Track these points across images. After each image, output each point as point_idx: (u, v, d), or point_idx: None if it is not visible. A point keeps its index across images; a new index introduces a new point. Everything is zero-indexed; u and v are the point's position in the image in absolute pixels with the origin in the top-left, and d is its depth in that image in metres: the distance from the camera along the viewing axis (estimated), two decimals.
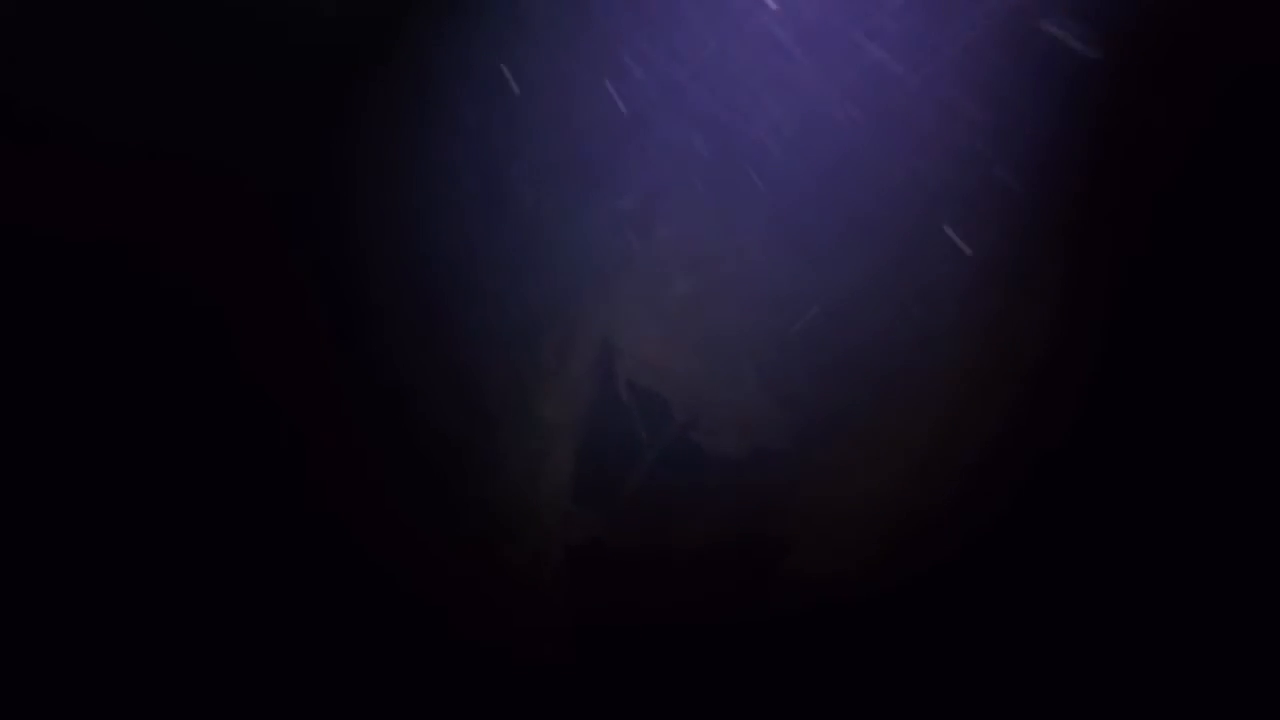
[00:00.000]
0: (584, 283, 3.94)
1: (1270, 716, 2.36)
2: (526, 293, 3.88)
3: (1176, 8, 2.77)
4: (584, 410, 3.87)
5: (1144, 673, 2.60)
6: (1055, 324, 3.21)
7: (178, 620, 3.28)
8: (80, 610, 3.16)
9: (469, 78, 3.71)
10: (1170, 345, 2.95)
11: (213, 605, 3.32)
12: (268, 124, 3.38)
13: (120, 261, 3.06)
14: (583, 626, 3.62)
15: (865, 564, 3.35)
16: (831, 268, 3.61)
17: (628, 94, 3.74)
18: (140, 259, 3.09)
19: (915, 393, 3.49)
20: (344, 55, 3.46)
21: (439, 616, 3.52)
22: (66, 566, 3.17)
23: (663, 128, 3.82)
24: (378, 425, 3.66)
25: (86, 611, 3.17)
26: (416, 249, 3.73)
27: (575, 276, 3.96)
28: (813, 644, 3.40)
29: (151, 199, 3.12)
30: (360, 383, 3.64)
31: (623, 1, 3.59)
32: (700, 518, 3.71)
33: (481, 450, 3.79)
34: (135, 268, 3.10)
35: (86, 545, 3.19)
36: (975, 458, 3.27)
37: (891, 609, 3.13)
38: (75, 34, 3.08)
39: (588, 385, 3.89)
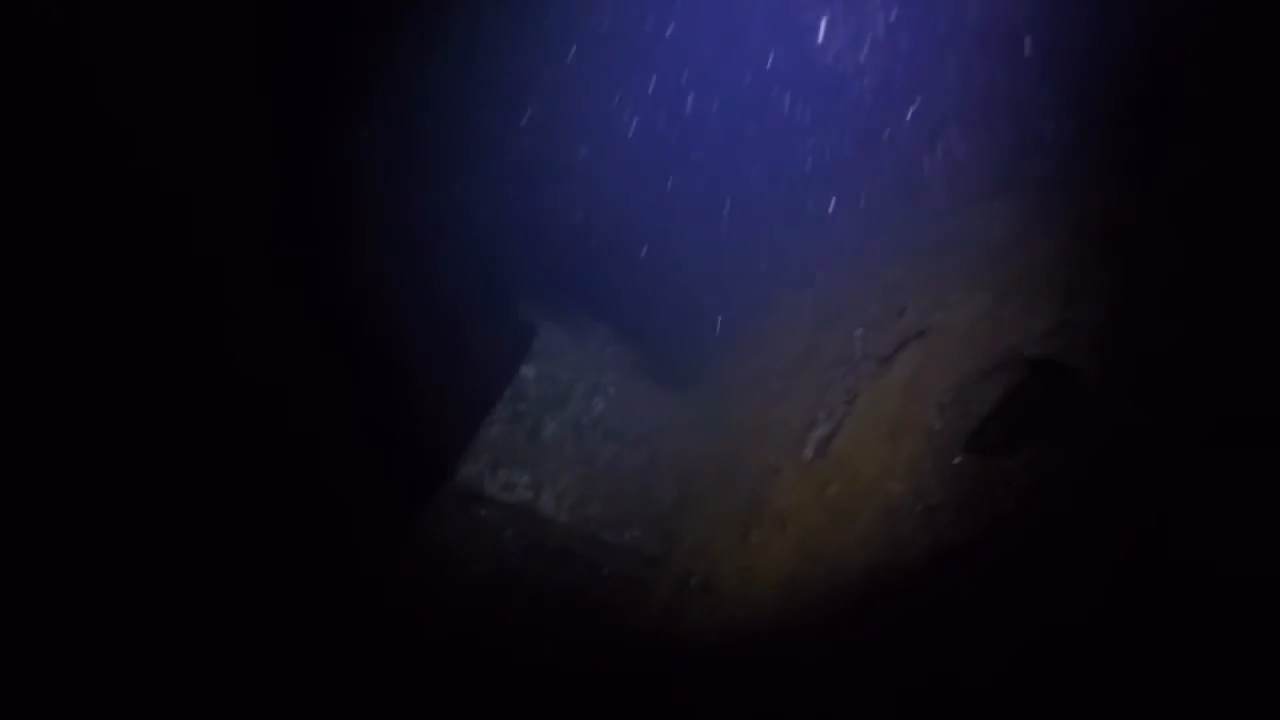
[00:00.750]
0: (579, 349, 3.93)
1: None
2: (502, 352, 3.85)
3: None
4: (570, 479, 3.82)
5: None
6: None
7: (181, 618, 3.24)
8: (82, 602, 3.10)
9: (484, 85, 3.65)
10: None
11: (217, 605, 3.29)
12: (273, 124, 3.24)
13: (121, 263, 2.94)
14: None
15: None
16: None
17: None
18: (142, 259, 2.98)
19: None
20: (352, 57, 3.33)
21: (440, 617, 3.57)
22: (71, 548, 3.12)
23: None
24: (383, 432, 3.66)
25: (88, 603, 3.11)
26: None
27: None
28: None
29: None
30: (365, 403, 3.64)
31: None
32: None
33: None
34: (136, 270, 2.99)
35: (86, 540, 3.11)
36: None
37: None
38: None
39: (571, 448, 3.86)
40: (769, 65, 3.90)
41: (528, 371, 3.92)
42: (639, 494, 3.90)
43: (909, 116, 4.15)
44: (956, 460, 3.32)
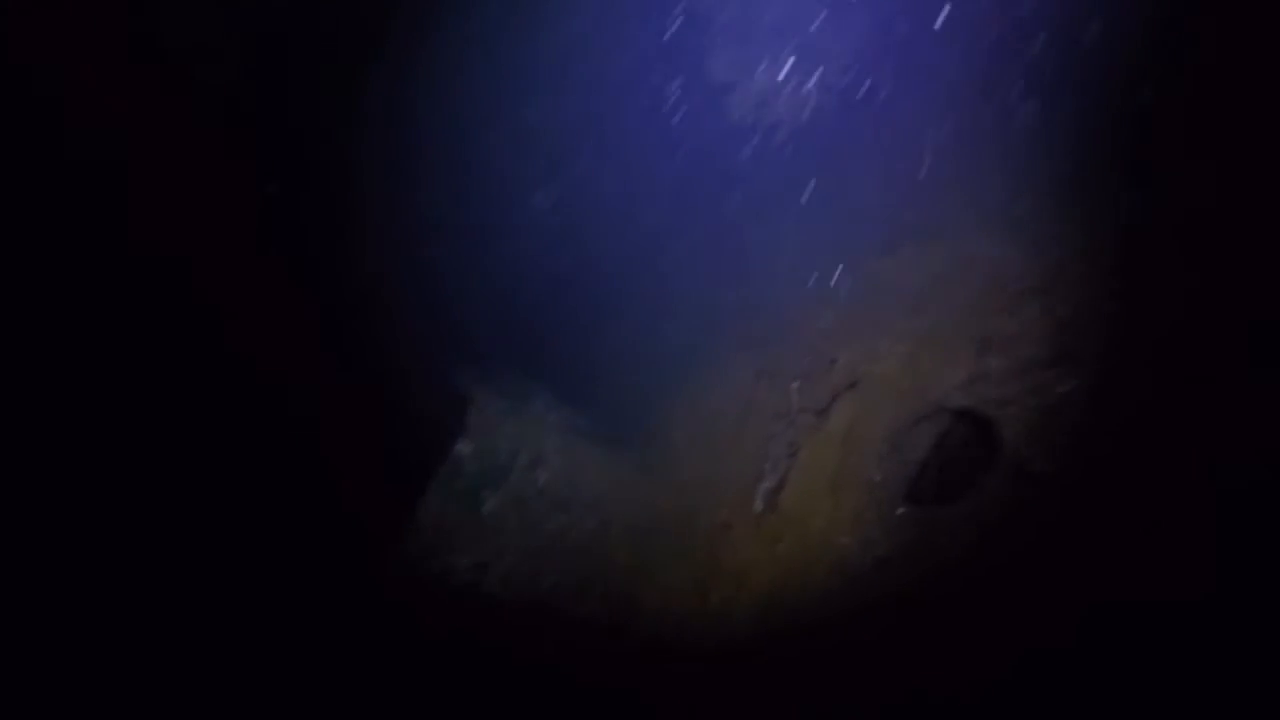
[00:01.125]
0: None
1: None
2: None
3: None
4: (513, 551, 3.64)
5: None
6: None
7: (181, 619, 3.20)
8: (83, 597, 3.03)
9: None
10: None
11: (217, 605, 3.26)
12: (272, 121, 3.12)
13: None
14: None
15: None
16: None
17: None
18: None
19: None
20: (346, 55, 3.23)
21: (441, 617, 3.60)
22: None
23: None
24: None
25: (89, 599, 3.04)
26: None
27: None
28: None
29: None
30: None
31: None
32: None
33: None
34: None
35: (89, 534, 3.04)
36: None
37: None
38: None
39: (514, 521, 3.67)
40: (700, 126, 3.85)
41: (464, 448, 3.62)
42: (592, 564, 3.77)
43: (830, 164, 4.26)
44: (899, 511, 3.56)
